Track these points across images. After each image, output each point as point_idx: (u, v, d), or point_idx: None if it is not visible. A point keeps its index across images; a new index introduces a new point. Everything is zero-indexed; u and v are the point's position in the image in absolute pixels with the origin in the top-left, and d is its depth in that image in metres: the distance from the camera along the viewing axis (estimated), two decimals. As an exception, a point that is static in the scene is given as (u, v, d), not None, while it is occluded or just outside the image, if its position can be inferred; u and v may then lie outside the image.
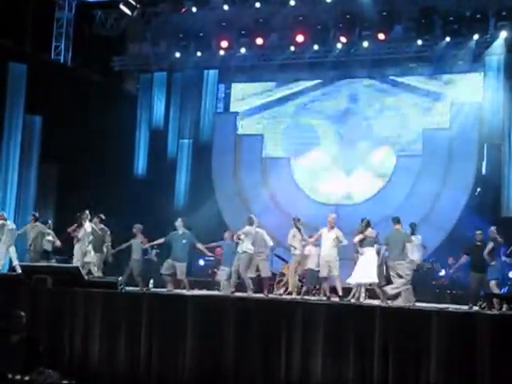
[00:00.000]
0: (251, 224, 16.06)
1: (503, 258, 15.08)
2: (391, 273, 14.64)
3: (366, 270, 14.75)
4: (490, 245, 14.87)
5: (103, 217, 17.40)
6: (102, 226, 17.41)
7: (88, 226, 17.00)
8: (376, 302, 14.51)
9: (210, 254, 17.74)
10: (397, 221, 14.95)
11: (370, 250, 14.89)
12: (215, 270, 20.16)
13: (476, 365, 11.01)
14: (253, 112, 24.34)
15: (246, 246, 15.83)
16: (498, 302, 13.91)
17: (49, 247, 18.11)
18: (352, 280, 15.03)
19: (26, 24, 21.44)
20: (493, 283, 14.78)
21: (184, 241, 16.69)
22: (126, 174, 23.49)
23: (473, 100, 21.73)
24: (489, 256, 14.84)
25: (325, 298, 15.18)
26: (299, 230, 16.08)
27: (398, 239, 14.67)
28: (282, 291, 18.28)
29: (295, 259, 16.22)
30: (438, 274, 19.37)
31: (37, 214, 18.19)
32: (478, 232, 15.31)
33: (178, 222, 16.90)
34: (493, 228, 15.18)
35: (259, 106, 24.26)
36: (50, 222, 18.70)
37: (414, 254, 15.47)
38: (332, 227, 15.46)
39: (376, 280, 14.78)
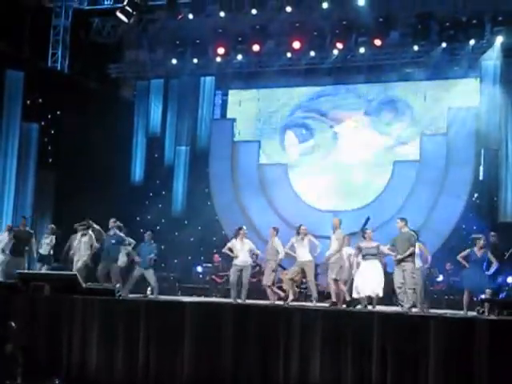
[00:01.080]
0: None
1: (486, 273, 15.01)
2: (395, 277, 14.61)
3: (369, 283, 14.68)
4: (467, 251, 14.97)
5: (27, 216, 17.48)
6: (28, 228, 17.71)
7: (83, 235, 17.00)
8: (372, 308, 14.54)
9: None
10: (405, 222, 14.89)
11: (372, 261, 14.84)
12: (213, 276, 20.20)
13: (474, 369, 10.99)
14: (250, 118, 24.35)
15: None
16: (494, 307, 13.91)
17: (46, 251, 18.09)
18: (355, 293, 14.94)
19: (22, 31, 21.45)
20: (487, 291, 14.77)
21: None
22: (123, 181, 23.48)
23: (469, 105, 21.76)
24: (464, 260, 14.96)
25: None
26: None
27: (404, 241, 14.62)
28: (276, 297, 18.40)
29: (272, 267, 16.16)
30: (436, 280, 19.37)
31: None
32: (491, 233, 15.53)
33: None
34: (480, 235, 15.21)
35: (256, 112, 24.27)
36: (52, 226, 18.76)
37: (417, 261, 15.32)
38: (336, 229, 15.47)
39: (381, 293, 14.75)
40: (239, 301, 15.67)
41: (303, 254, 15.63)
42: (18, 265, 17.31)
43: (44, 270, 17.38)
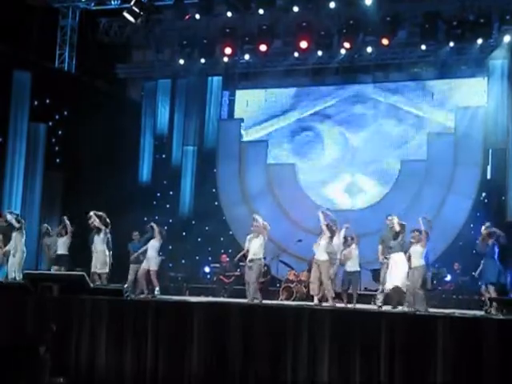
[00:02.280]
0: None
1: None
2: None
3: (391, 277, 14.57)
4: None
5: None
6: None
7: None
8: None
9: None
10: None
11: (397, 255, 14.71)
12: (221, 276, 20.18)
13: (483, 369, 10.99)
14: (257, 118, 24.35)
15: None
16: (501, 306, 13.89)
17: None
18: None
19: (29, 32, 21.46)
20: (491, 288, 14.73)
21: None
22: (130, 181, 23.47)
23: (477, 104, 21.74)
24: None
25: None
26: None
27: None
28: (283, 297, 18.34)
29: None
30: (444, 280, 19.35)
31: None
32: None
33: None
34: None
35: (263, 112, 24.27)
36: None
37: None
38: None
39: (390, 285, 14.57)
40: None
41: (319, 253, 15.08)
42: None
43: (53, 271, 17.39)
